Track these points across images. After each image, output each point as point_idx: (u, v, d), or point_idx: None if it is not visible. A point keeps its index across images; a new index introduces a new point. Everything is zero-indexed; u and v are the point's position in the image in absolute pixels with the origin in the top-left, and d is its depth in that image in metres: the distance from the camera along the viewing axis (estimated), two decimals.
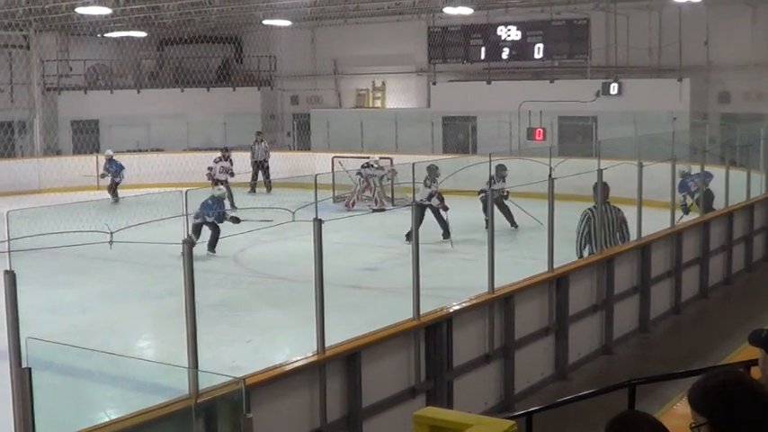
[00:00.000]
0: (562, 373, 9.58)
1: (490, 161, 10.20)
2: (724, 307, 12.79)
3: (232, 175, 23.15)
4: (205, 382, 5.70)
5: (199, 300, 6.04)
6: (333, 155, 23.80)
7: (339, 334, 7.22)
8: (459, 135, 28.19)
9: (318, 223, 6.73)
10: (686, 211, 16.43)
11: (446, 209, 17.10)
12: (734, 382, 2.78)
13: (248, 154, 26.26)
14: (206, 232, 16.12)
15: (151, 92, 31.26)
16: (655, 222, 12.02)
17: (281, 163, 26.81)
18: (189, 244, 5.93)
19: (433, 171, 16.80)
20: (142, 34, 30.39)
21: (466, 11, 25.76)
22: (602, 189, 10.96)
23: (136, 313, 12.69)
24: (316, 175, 7.66)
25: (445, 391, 7.96)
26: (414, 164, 9.36)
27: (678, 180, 15.92)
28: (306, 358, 6.83)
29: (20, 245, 5.51)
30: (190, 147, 28.92)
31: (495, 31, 27.79)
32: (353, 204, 21.88)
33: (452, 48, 28.87)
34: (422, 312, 7.75)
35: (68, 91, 30.61)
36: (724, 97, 25.43)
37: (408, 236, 15.46)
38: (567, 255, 10.35)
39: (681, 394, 6.18)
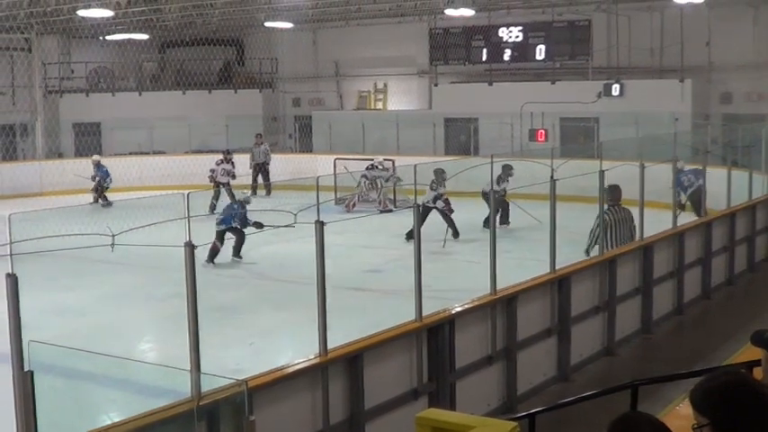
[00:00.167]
0: (564, 374, 9.58)
1: (492, 163, 10.19)
2: (726, 308, 12.78)
3: (234, 177, 23.16)
4: (207, 385, 5.71)
5: (201, 302, 6.04)
6: (335, 157, 23.79)
7: (341, 336, 7.23)
8: (460, 136, 28.19)
9: (320, 225, 6.74)
10: (681, 207, 16.47)
11: (451, 212, 17.20)
12: (736, 382, 2.78)
13: (249, 156, 26.26)
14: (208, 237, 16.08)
15: (153, 94, 31.26)
16: (657, 223, 12.02)
17: (283, 165, 26.80)
18: (190, 247, 5.93)
19: (439, 174, 16.90)
20: (144, 37, 30.40)
21: (467, 12, 25.75)
22: (613, 191, 11.11)
23: (138, 316, 12.70)
24: (317, 177, 7.67)
25: (448, 393, 7.95)
26: (415, 165, 9.36)
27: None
28: (308, 360, 6.84)
29: (22, 248, 5.52)
30: (191, 149, 28.93)
31: (497, 32, 27.78)
32: (354, 206, 21.88)
33: (454, 49, 28.87)
34: (424, 314, 7.76)
35: (70, 94, 30.62)
36: (726, 98, 25.41)
37: (408, 235, 15.53)
38: (568, 256, 10.34)
39: (683, 395, 6.17)
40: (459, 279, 12.95)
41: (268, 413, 6.25)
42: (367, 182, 22.23)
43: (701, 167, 14.95)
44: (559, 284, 9.57)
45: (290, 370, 6.69)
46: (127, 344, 11.08)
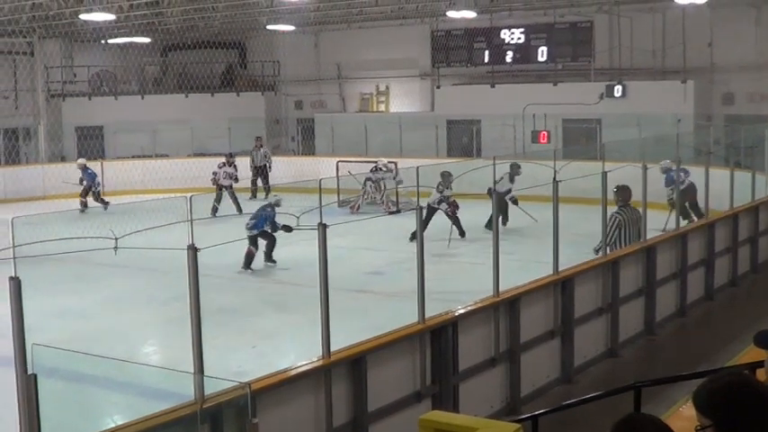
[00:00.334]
0: (568, 376, 9.58)
1: (494, 164, 10.19)
2: (729, 309, 12.77)
3: (236, 180, 23.17)
4: (211, 388, 5.71)
5: (204, 305, 6.04)
6: (337, 159, 23.80)
7: (344, 338, 7.22)
8: (463, 138, 28.20)
9: (323, 228, 6.74)
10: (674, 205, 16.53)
11: (455, 213, 17.32)
12: (739, 384, 2.77)
13: (249, 159, 26.25)
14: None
15: (155, 98, 31.29)
16: (659, 224, 12.02)
17: (286, 168, 26.78)
18: (193, 250, 5.94)
19: (446, 177, 17.06)
20: (146, 40, 30.42)
21: (469, 14, 25.75)
22: (623, 191, 11.15)
23: (141, 319, 12.70)
24: (320, 180, 7.67)
25: (451, 395, 7.95)
26: (418, 167, 9.36)
27: (663, 177, 16.06)
28: (311, 363, 6.84)
29: (25, 251, 5.52)
30: (194, 152, 28.93)
31: (499, 34, 27.79)
32: (358, 208, 21.88)
33: (456, 51, 28.88)
34: (427, 316, 7.75)
35: (72, 97, 30.66)
36: (728, 99, 25.40)
37: (413, 236, 15.54)
38: (570, 257, 10.33)
39: (687, 397, 6.16)
40: (461, 281, 12.95)
41: (271, 416, 6.25)
42: (372, 185, 22.26)
43: (685, 168, 15.13)
44: (562, 286, 9.56)
45: (293, 372, 6.70)
46: (130, 347, 11.08)
